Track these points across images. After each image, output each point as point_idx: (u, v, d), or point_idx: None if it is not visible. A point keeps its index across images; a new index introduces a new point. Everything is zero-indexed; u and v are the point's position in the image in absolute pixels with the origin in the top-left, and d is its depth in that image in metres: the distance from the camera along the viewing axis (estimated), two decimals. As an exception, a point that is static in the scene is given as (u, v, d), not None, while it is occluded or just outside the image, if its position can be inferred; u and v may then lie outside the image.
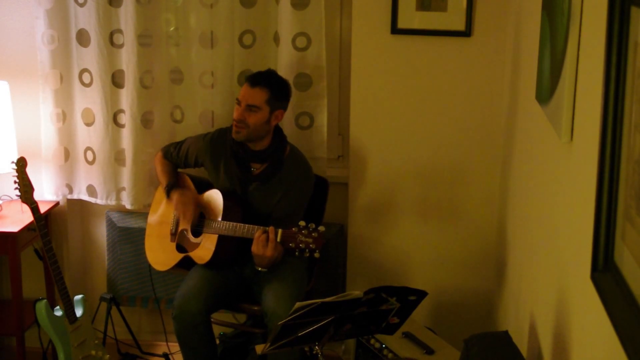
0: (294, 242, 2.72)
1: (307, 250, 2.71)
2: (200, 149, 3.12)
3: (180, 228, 3.10)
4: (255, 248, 2.80)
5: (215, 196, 3.01)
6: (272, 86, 2.93)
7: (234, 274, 3.06)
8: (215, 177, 3.08)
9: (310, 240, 2.70)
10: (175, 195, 3.06)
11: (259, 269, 2.90)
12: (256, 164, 3.02)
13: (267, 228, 2.79)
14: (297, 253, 2.73)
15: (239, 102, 2.93)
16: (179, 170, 3.25)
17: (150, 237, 3.23)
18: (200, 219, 3.04)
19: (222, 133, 3.09)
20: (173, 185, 3.11)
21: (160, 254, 3.16)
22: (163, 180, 3.16)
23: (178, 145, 3.20)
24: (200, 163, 3.15)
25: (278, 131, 3.05)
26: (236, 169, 3.01)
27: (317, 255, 2.71)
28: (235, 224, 2.88)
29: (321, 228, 2.71)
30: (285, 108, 3.01)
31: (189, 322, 2.90)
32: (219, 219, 2.94)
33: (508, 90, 3.13)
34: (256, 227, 2.82)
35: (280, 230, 2.75)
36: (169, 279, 3.47)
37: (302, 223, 2.71)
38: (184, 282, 3.00)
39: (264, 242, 2.78)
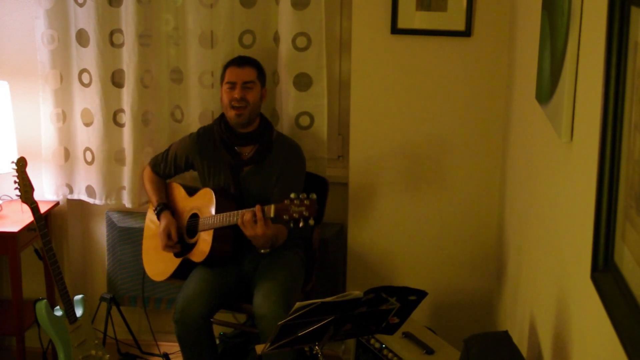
0: (288, 214, 2.71)
1: (301, 219, 2.70)
2: (188, 148, 3.16)
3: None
4: (246, 230, 2.81)
5: (206, 194, 3.03)
6: (256, 65, 3.08)
7: (233, 271, 3.06)
8: (206, 174, 3.10)
9: (303, 208, 2.70)
10: (163, 221, 3.08)
11: (262, 251, 2.91)
12: (246, 148, 3.07)
13: (253, 209, 2.79)
14: (291, 224, 2.72)
15: (232, 85, 3.01)
16: (169, 180, 3.27)
17: (148, 251, 3.25)
18: (195, 220, 3.05)
19: (207, 129, 3.16)
20: (163, 207, 3.14)
21: (159, 265, 3.17)
22: (154, 199, 3.19)
23: (164, 153, 3.25)
24: (191, 164, 3.18)
25: (262, 115, 3.14)
26: (227, 156, 3.04)
27: (311, 222, 2.70)
28: (227, 213, 2.90)
29: (312, 195, 2.71)
30: (265, 86, 3.12)
31: (191, 325, 2.90)
32: (213, 213, 2.95)
33: (508, 90, 3.13)
34: (246, 210, 2.83)
35: (272, 206, 2.75)
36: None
37: (292, 195, 2.71)
38: (185, 285, 3.00)
39: (251, 222, 2.78)
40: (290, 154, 3.10)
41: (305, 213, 2.69)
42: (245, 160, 3.05)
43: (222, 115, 3.10)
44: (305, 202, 2.70)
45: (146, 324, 3.72)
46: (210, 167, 3.09)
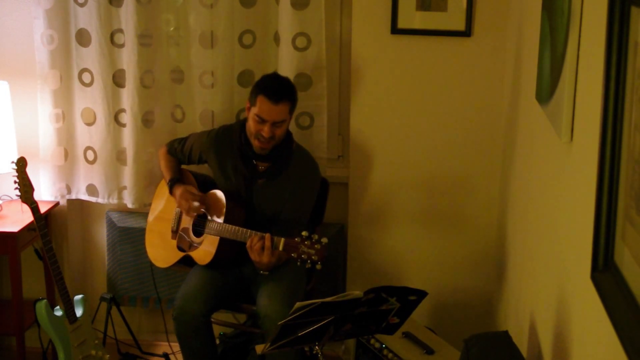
0: (296, 252, 2.68)
1: (308, 261, 2.67)
2: (204, 146, 3.11)
3: (182, 226, 3.09)
4: (251, 255, 2.79)
5: (218, 197, 3.00)
6: (291, 97, 2.92)
7: (233, 273, 3.06)
8: (220, 175, 3.07)
9: (312, 251, 2.66)
10: (178, 191, 3.04)
11: (260, 272, 2.90)
12: (263, 163, 3.02)
13: (264, 234, 2.77)
14: (298, 263, 2.70)
15: (261, 120, 2.86)
16: (182, 167, 3.24)
17: (151, 232, 3.23)
18: (202, 220, 3.04)
19: (227, 130, 3.08)
20: (176, 180, 3.10)
21: (161, 251, 3.16)
22: (167, 175, 3.15)
23: (182, 141, 3.20)
24: (204, 160, 3.15)
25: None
26: (242, 167, 3.00)
27: (318, 267, 2.67)
28: (236, 227, 2.87)
29: (324, 240, 2.66)
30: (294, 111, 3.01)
31: (190, 323, 2.90)
32: (221, 220, 2.94)
33: (508, 90, 3.13)
34: (256, 233, 2.80)
35: (282, 240, 2.72)
36: (170, 278, 3.47)
37: (304, 233, 2.68)
38: (184, 283, 2.99)
39: (259, 250, 2.76)
40: (307, 172, 3.04)
41: (314, 257, 2.66)
42: (260, 173, 3.01)
43: (244, 126, 2.99)
44: (316, 246, 2.66)
45: (146, 324, 3.73)
46: (224, 170, 3.05)
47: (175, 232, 3.11)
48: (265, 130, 2.86)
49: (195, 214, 3.00)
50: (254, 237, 2.78)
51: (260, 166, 3.02)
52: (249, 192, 3.01)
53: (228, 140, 3.05)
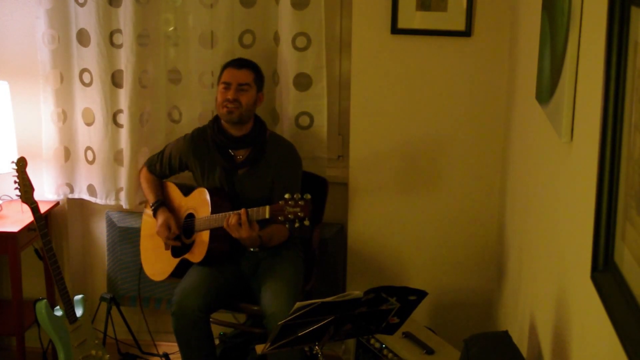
0: (283, 215, 2.72)
1: (296, 220, 2.70)
2: (182, 149, 3.16)
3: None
4: (232, 233, 2.83)
5: (201, 194, 3.04)
6: (254, 68, 3.07)
7: (231, 270, 3.07)
8: (201, 175, 3.11)
9: (297, 209, 2.70)
10: (160, 218, 3.09)
11: (251, 249, 2.93)
12: (240, 151, 3.06)
13: (239, 211, 2.80)
14: (287, 225, 2.73)
15: (227, 85, 3.00)
16: (164, 180, 3.27)
17: (146, 250, 3.26)
18: (190, 220, 3.05)
19: (201, 130, 3.16)
20: (160, 204, 3.15)
21: (157, 265, 3.17)
22: (150, 197, 3.21)
23: (160, 154, 3.25)
24: (185, 165, 3.18)
25: (257, 117, 3.12)
26: (220, 159, 3.04)
27: (306, 222, 2.71)
28: (220, 214, 2.90)
29: (307, 195, 2.71)
30: (262, 91, 3.10)
31: (188, 318, 2.91)
32: (208, 214, 2.96)
33: (508, 90, 3.13)
34: (232, 213, 2.83)
35: (267, 207, 2.77)
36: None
37: (287, 195, 2.72)
38: (183, 280, 3.01)
39: (236, 226, 2.80)
40: (285, 154, 3.09)
41: (300, 214, 2.70)
42: (239, 163, 3.06)
43: (216, 118, 3.09)
44: (300, 202, 2.70)
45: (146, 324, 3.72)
46: (204, 168, 3.09)
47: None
48: (230, 92, 2.98)
49: (171, 244, 3.08)
50: (229, 215, 2.83)
51: (238, 155, 3.06)
52: (231, 184, 3.04)
53: (203, 137, 3.12)
